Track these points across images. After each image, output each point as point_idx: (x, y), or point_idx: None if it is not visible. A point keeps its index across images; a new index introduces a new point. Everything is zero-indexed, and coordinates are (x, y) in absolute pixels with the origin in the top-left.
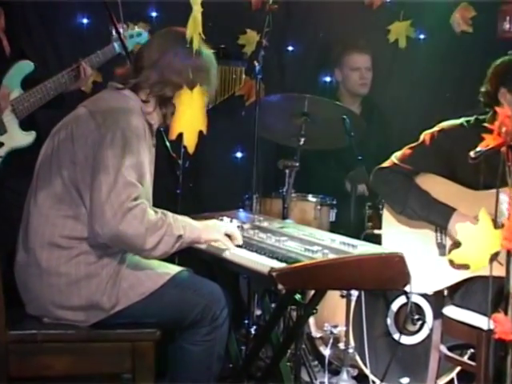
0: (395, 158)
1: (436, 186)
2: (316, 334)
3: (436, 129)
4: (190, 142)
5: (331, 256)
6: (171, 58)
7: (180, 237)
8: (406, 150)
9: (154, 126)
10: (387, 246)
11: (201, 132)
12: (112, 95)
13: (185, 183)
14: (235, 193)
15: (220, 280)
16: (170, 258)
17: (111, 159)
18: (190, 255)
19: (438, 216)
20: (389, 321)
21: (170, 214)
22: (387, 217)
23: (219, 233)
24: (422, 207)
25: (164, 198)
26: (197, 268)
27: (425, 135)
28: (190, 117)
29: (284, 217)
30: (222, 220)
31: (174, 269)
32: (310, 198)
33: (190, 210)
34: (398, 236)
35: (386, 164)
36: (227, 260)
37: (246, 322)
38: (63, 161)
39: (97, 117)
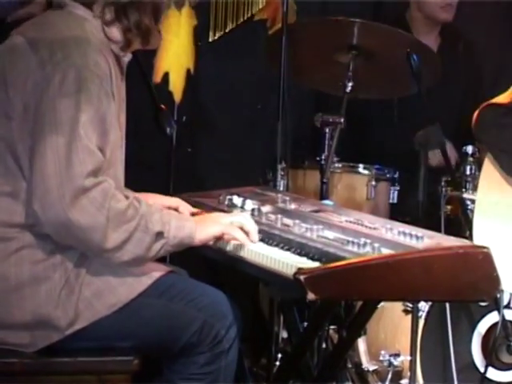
0: None
1: None
2: (368, 365)
3: None
4: (176, 86)
5: (386, 252)
6: None
7: (160, 235)
8: None
9: (124, 59)
10: (479, 240)
11: (189, 72)
12: (61, 17)
13: (179, 148)
14: (252, 162)
15: (228, 286)
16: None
17: (61, 112)
18: (184, 250)
19: None
20: (474, 347)
21: (142, 200)
22: (485, 194)
23: (223, 224)
24: None
25: (146, 172)
26: (194, 269)
27: None
28: (176, 49)
29: (322, 196)
30: (230, 204)
31: (159, 269)
32: (361, 169)
33: (187, 186)
34: (498, 226)
35: (501, 99)
36: (237, 257)
37: (268, 347)
38: None
39: (40, 49)
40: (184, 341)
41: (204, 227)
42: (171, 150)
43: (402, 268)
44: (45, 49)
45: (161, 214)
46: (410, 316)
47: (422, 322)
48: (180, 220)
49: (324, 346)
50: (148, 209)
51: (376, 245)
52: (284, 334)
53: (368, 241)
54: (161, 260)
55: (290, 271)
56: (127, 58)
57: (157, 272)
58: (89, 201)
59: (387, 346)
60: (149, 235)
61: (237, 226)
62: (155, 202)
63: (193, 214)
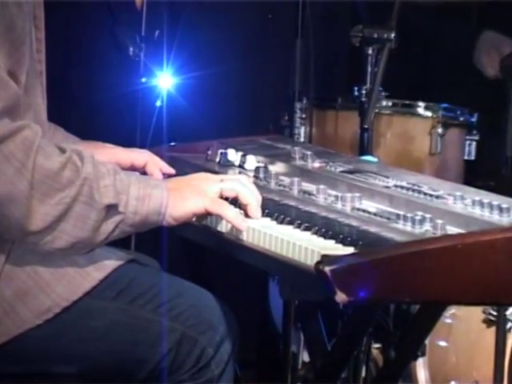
0: None
1: None
2: None
3: None
4: None
5: (455, 231)
6: None
7: (113, 209)
8: None
9: None
10: None
11: None
12: None
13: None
14: (258, 99)
15: (219, 284)
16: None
17: None
18: (153, 231)
19: None
20: None
21: (91, 156)
22: None
23: (208, 194)
24: None
25: (96, 115)
26: (169, 258)
27: None
28: None
29: (362, 150)
30: (223, 161)
31: (114, 259)
32: (422, 109)
33: (161, 137)
34: None
35: None
36: (234, 241)
37: (282, 375)
38: None
39: None
40: (153, 364)
41: (180, 198)
42: (138, 82)
43: (480, 255)
44: None
45: (115, 176)
46: (493, 329)
47: (511, 339)
48: (144, 186)
49: (364, 373)
50: (95, 169)
51: (439, 221)
52: (305, 356)
53: (428, 215)
54: (119, 245)
55: (310, 261)
56: None
57: (111, 262)
58: (2, 157)
59: (460, 374)
60: (95, 209)
61: (228, 194)
62: (109, 157)
63: (167, 177)
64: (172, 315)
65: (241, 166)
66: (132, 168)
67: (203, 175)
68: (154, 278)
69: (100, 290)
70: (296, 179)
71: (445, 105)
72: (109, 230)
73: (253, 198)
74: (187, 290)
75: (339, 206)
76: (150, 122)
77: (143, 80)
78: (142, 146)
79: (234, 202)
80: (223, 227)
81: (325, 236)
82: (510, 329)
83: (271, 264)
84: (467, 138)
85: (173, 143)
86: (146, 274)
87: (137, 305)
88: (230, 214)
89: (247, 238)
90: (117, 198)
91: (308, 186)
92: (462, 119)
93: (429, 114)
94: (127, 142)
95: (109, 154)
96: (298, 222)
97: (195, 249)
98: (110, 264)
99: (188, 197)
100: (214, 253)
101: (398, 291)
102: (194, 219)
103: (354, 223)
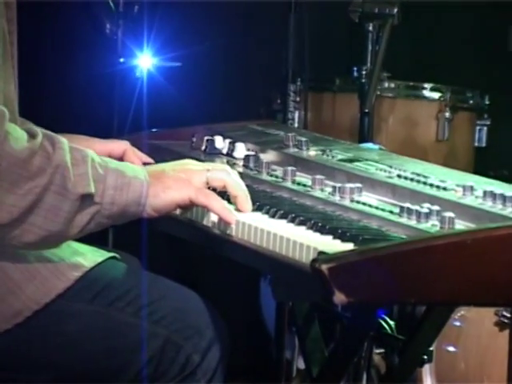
0: None
1: None
2: None
3: None
4: None
5: (464, 226)
6: None
7: (88, 199)
8: None
9: None
10: None
11: None
12: None
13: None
14: (248, 79)
15: (207, 284)
16: (97, 234)
17: None
18: (133, 224)
19: None
20: None
21: (64, 141)
22: None
23: (192, 183)
24: None
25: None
26: (151, 255)
27: None
28: None
29: (362, 136)
30: (210, 148)
31: (91, 256)
32: (428, 91)
33: (141, 125)
34: None
35: None
36: (222, 236)
37: None
38: None
39: None
40: (133, 372)
41: (162, 187)
42: (115, 63)
43: (491, 252)
44: None
45: (91, 163)
46: (506, 332)
47: None
48: (123, 174)
49: (365, 381)
50: (69, 155)
51: (447, 214)
52: (300, 363)
53: (434, 208)
54: (95, 241)
55: (305, 258)
56: None
57: (88, 260)
58: None
59: (469, 382)
60: (69, 200)
61: (216, 184)
62: (87, 147)
63: (146, 165)
64: (154, 319)
65: (229, 155)
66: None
67: (188, 162)
68: (135, 278)
69: (75, 291)
70: (290, 169)
71: (453, 86)
72: (83, 222)
73: (241, 189)
74: (171, 291)
75: (337, 198)
76: (128, 106)
77: (121, 60)
78: (119, 133)
79: (222, 194)
80: (210, 221)
81: (321, 231)
82: None
83: (263, 262)
84: (478, 122)
85: (154, 129)
86: (126, 274)
87: (116, 308)
88: (218, 205)
89: (236, 233)
90: (92, 187)
91: (303, 176)
92: (471, 102)
93: (435, 96)
94: (104, 129)
95: (85, 146)
96: (292, 215)
97: (180, 245)
98: (86, 263)
99: (171, 186)
100: (201, 250)
101: (403, 291)
102: (177, 211)
103: (354, 217)
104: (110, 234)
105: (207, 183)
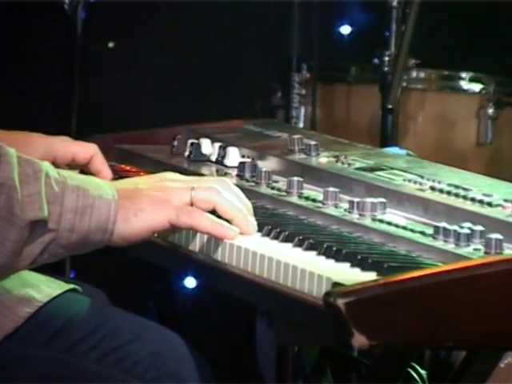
0: None
1: None
2: None
3: None
4: None
5: (510, 251)
6: None
7: (41, 225)
8: None
9: None
10: None
11: None
12: None
13: (92, 44)
14: (243, 68)
15: (191, 324)
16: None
17: None
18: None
19: None
20: None
21: (11, 153)
22: None
23: (171, 207)
24: None
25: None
26: (121, 287)
27: None
28: None
29: (385, 139)
30: (195, 154)
31: (47, 288)
32: (466, 82)
33: (107, 123)
34: None
35: None
36: (211, 264)
37: None
38: None
39: None
40: None
41: (134, 210)
42: (74, 46)
43: None
44: None
45: (44, 180)
46: None
47: None
48: (85, 194)
49: None
50: (16, 171)
51: (493, 236)
52: None
53: (477, 228)
54: (50, 269)
55: (317, 291)
56: None
57: (42, 294)
58: None
59: None
60: (16, 227)
61: (203, 207)
62: (41, 151)
63: (118, 178)
64: (125, 366)
65: (219, 162)
66: (72, 165)
67: (169, 176)
68: (101, 316)
69: (26, 331)
70: (295, 179)
71: (497, 76)
72: (35, 253)
73: (236, 209)
74: (147, 332)
75: (355, 216)
76: (90, 100)
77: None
78: (79, 134)
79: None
80: (197, 244)
81: (336, 257)
82: None
83: (262, 295)
84: None
85: (123, 132)
86: (90, 310)
87: (77, 353)
88: (205, 221)
89: (230, 259)
90: (46, 210)
91: (312, 189)
92: None
93: (476, 88)
94: (60, 129)
95: (39, 148)
96: (300, 237)
97: (157, 274)
98: (39, 296)
99: (145, 208)
100: (184, 280)
101: (437, 333)
102: (155, 235)
103: (376, 239)
104: (67, 261)
105: (191, 205)
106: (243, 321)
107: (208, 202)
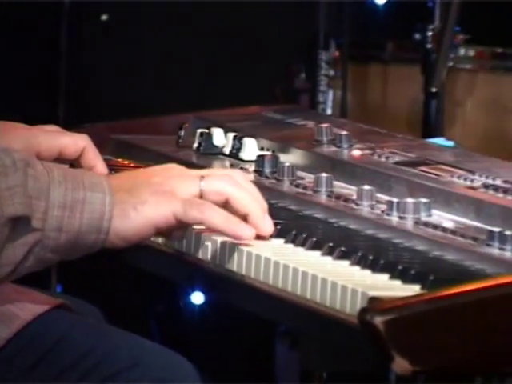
0: None
1: None
2: None
3: None
4: None
5: None
6: None
7: (23, 223)
8: None
9: None
10: None
11: None
12: None
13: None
14: (259, 45)
15: (199, 345)
16: (39, 273)
17: None
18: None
19: None
20: None
21: None
22: None
23: (178, 199)
24: None
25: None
26: (123, 302)
27: None
28: None
29: (428, 128)
30: (204, 145)
31: (33, 303)
32: None
33: (100, 111)
34: None
35: None
36: (222, 275)
37: None
38: None
39: None
40: None
41: (133, 204)
42: (60, 18)
43: None
44: None
45: (27, 170)
46: None
47: None
48: (75, 186)
49: None
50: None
51: None
52: None
53: None
54: (34, 282)
55: (350, 307)
56: None
57: (26, 311)
58: None
59: None
60: None
61: (213, 199)
62: (25, 143)
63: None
64: None
65: (234, 156)
66: (60, 160)
67: (173, 168)
68: (95, 336)
69: (8, 354)
70: (324, 176)
71: None
72: (17, 257)
73: (254, 203)
74: (149, 355)
75: (395, 218)
76: (80, 83)
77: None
78: (67, 123)
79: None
80: (208, 252)
81: (373, 268)
82: None
83: (284, 312)
84: None
85: (120, 120)
86: (82, 330)
87: (67, 379)
88: (219, 217)
89: (247, 270)
90: (29, 205)
91: (343, 187)
92: None
93: None
94: (44, 117)
95: (20, 140)
96: (330, 244)
97: (160, 288)
98: (22, 314)
99: (146, 200)
100: (191, 295)
101: (493, 356)
102: (159, 239)
103: (420, 247)
104: (52, 272)
105: (200, 197)
106: (261, 342)
107: (220, 193)
